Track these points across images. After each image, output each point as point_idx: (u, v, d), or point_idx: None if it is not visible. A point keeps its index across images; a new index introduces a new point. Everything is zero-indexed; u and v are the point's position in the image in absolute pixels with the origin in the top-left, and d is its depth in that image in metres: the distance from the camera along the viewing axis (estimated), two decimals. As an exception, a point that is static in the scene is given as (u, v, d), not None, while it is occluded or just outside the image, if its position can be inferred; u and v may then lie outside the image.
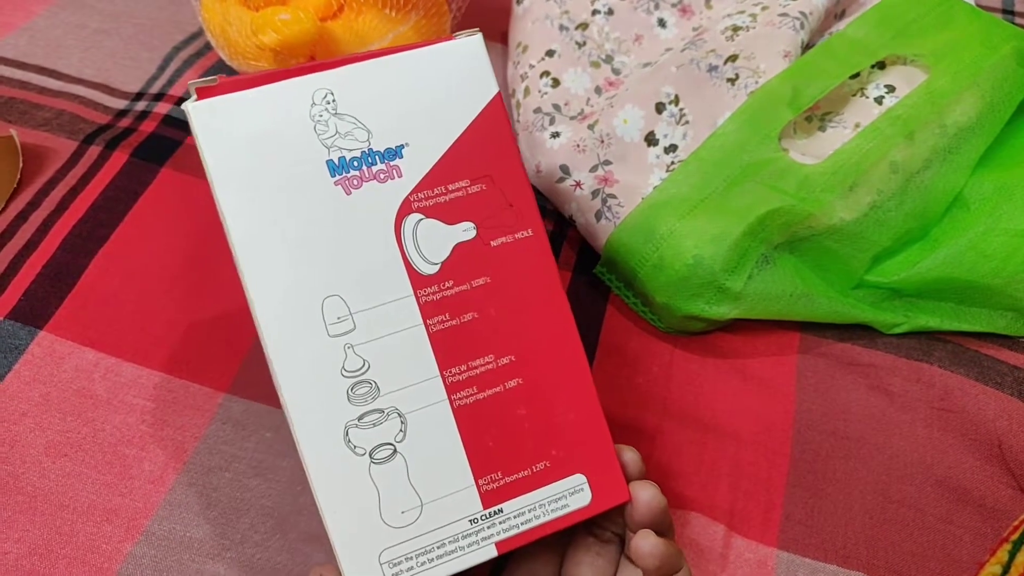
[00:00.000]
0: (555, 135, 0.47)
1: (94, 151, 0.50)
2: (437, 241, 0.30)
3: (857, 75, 0.44)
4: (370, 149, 0.29)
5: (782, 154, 0.41)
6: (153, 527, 0.36)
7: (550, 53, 0.50)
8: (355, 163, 0.29)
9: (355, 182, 0.29)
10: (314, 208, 0.29)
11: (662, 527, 0.29)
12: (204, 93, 0.28)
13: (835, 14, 0.49)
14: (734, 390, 0.42)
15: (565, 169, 0.46)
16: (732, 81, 0.44)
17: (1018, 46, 0.42)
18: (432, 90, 0.30)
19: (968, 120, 0.41)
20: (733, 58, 0.44)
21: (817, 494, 0.38)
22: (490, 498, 0.29)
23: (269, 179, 0.28)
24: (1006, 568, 0.28)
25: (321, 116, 0.29)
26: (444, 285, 0.30)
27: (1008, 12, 0.58)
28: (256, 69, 0.50)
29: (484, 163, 0.30)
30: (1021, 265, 0.39)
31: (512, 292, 0.30)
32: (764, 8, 0.46)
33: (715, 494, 0.38)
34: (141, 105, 0.53)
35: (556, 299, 0.31)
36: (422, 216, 0.30)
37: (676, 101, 0.45)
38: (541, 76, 0.49)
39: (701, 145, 0.42)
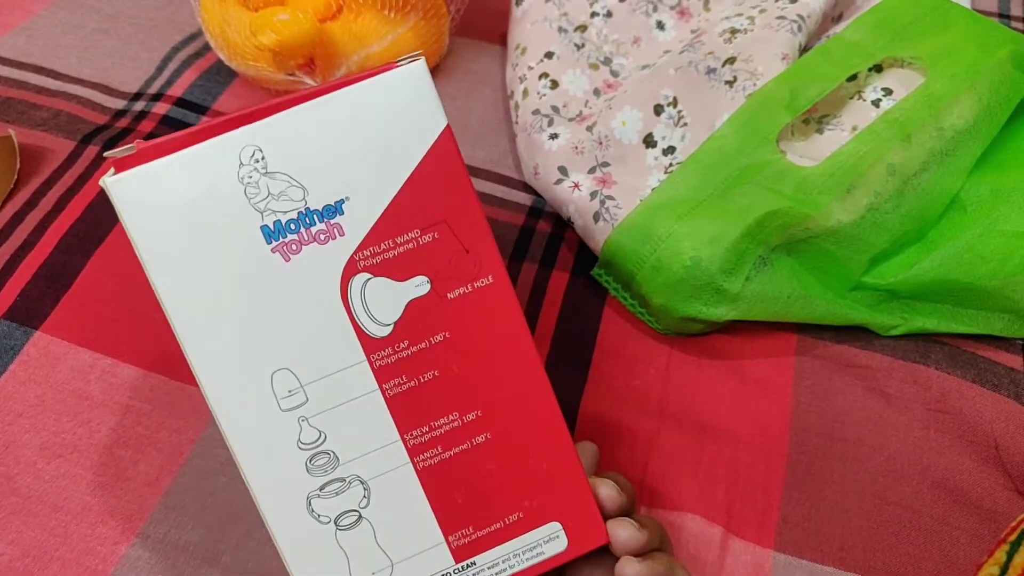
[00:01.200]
0: (553, 136, 0.47)
1: (92, 151, 0.50)
2: (388, 301, 0.28)
3: (854, 78, 0.44)
4: (307, 209, 0.27)
5: (780, 156, 0.41)
6: (148, 530, 0.36)
7: (549, 55, 0.50)
8: (292, 226, 0.27)
9: (294, 247, 0.27)
10: (252, 279, 0.27)
11: (651, 547, 0.29)
12: (122, 164, 0.26)
13: (832, 17, 0.49)
14: (731, 392, 0.41)
15: (563, 170, 0.46)
16: (730, 83, 0.44)
17: (1015, 50, 0.42)
18: (372, 131, 0.27)
19: (965, 123, 0.41)
20: (731, 60, 0.44)
21: (814, 496, 0.38)
22: (461, 552, 0.29)
23: (202, 251, 0.26)
24: (1004, 569, 0.28)
25: (251, 177, 0.26)
26: (399, 347, 0.28)
27: (1005, 16, 0.58)
28: (255, 69, 0.50)
29: (436, 207, 0.27)
30: (1018, 267, 0.39)
31: (474, 345, 0.28)
32: (762, 11, 0.46)
33: (712, 496, 0.38)
34: (139, 105, 0.53)
35: (523, 347, 0.29)
36: (369, 276, 0.27)
37: (674, 103, 0.45)
38: (540, 78, 0.49)
39: (699, 147, 0.42)
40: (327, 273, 0.27)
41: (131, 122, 0.52)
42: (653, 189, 0.43)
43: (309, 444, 0.28)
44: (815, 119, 0.45)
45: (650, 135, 0.45)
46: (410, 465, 0.28)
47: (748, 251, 0.40)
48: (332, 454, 0.28)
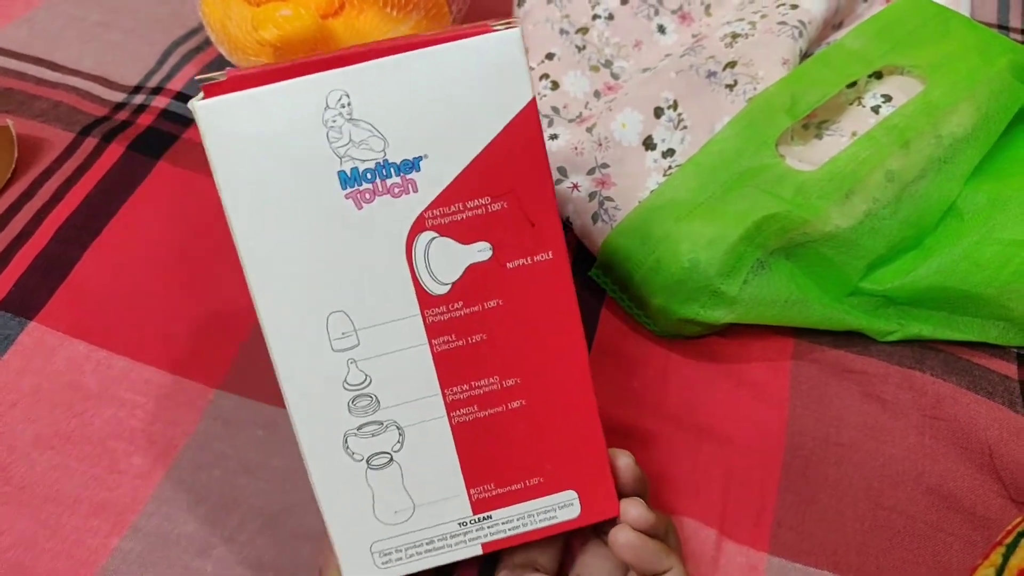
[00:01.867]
0: (553, 137, 0.47)
1: (90, 143, 0.50)
2: (450, 261, 0.28)
3: (854, 84, 0.44)
4: (385, 161, 0.27)
5: (779, 160, 0.41)
6: (140, 522, 0.36)
7: (550, 56, 0.50)
8: (368, 175, 0.27)
9: (367, 196, 0.27)
10: (322, 221, 0.27)
11: (654, 533, 0.30)
12: (212, 91, 0.26)
13: (833, 24, 0.49)
14: (728, 395, 0.42)
15: (563, 171, 0.46)
16: (731, 87, 0.44)
17: (1014, 59, 0.43)
18: (459, 94, 0.27)
19: (963, 131, 0.41)
20: (732, 64, 0.44)
21: (809, 500, 0.38)
22: (480, 506, 0.30)
23: (277, 186, 0.27)
24: (999, 571, 0.28)
25: (335, 121, 0.27)
26: (453, 306, 0.28)
27: (1004, 27, 0.58)
28: (256, 64, 0.50)
29: (509, 178, 0.28)
30: (1013, 275, 0.40)
31: (525, 316, 0.29)
32: (763, 16, 0.47)
33: (707, 498, 0.38)
34: (139, 98, 0.53)
35: (570, 324, 0.29)
36: (436, 235, 0.28)
37: (675, 106, 0.45)
38: (540, 79, 0.49)
39: (699, 150, 0.42)
40: (395, 226, 0.28)
41: (130, 115, 0.52)
42: (652, 191, 0.43)
43: (354, 385, 0.28)
44: (815, 124, 0.45)
45: (650, 137, 0.45)
46: (446, 419, 0.29)
47: (746, 254, 0.40)
48: (374, 397, 0.29)
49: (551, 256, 0.29)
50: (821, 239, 0.41)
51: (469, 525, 0.30)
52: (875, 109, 0.43)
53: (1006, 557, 0.28)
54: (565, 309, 0.29)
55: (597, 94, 0.49)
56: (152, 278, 0.44)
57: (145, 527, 0.36)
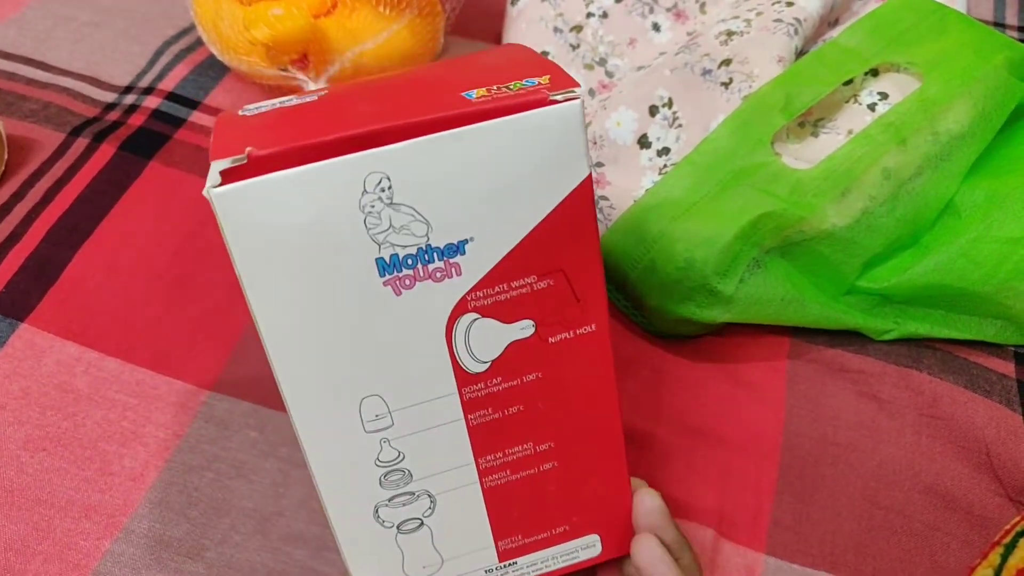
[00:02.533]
0: (548, 136, 0.46)
1: (81, 143, 0.49)
2: (491, 341, 0.26)
3: (850, 82, 0.44)
4: (428, 246, 0.24)
5: (775, 159, 0.41)
6: (132, 525, 0.36)
7: (544, 55, 0.50)
8: (409, 261, 0.24)
9: (407, 282, 0.25)
10: (356, 309, 0.25)
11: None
12: (231, 174, 0.23)
13: (829, 22, 0.49)
14: (724, 395, 0.41)
15: (557, 170, 0.45)
16: (726, 85, 0.44)
17: (1010, 56, 0.42)
18: (510, 171, 0.24)
19: (960, 128, 0.41)
20: (727, 62, 0.44)
21: (806, 500, 0.38)
22: (506, 555, 0.30)
23: (307, 277, 0.24)
24: (998, 571, 0.28)
25: (373, 206, 0.23)
26: (491, 382, 0.27)
27: (1000, 24, 0.58)
28: (248, 64, 0.49)
29: (558, 256, 0.26)
30: (1011, 273, 0.39)
31: (563, 386, 0.28)
32: (758, 14, 0.46)
33: (704, 499, 0.38)
34: (130, 99, 0.52)
35: (607, 391, 0.28)
36: (477, 316, 0.26)
37: (670, 104, 0.45)
38: (534, 77, 0.49)
39: (694, 149, 0.42)
40: (436, 311, 0.26)
41: (122, 115, 0.51)
42: (647, 190, 0.43)
43: (387, 462, 0.27)
44: (810, 122, 0.45)
45: (644, 136, 0.45)
46: (478, 484, 0.28)
47: (742, 253, 0.40)
48: (407, 471, 0.27)
49: (594, 328, 0.27)
50: (817, 237, 0.40)
51: (495, 571, 0.30)
52: (871, 107, 0.43)
53: (1004, 557, 0.28)
54: (603, 377, 0.28)
55: (592, 92, 0.49)
56: (144, 279, 0.44)
57: (137, 529, 0.36)
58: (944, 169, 0.41)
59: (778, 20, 0.45)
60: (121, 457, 0.38)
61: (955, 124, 0.41)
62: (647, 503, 0.29)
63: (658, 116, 0.45)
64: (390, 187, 0.23)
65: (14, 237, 0.45)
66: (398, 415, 0.27)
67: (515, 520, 0.29)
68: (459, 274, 0.25)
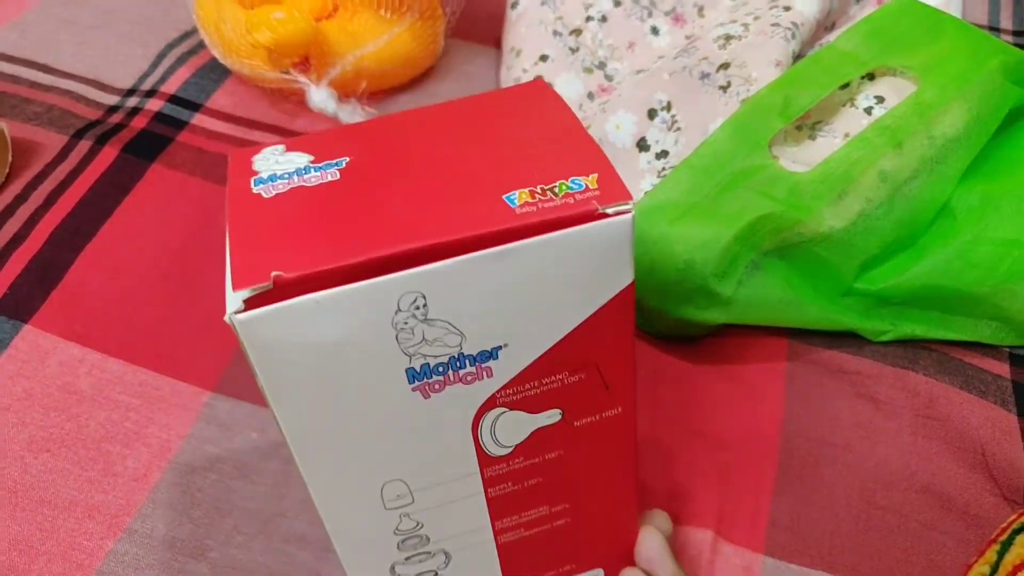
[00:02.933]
0: (547, 139, 0.47)
1: (84, 146, 0.50)
2: (517, 429, 0.26)
3: (847, 85, 0.45)
4: (460, 354, 0.23)
5: (773, 161, 0.41)
6: (135, 525, 0.36)
7: (543, 58, 0.50)
8: (440, 368, 0.23)
9: (436, 387, 0.24)
10: (383, 412, 0.24)
11: None
12: (256, 299, 0.21)
13: (825, 26, 0.49)
14: (723, 396, 0.42)
15: (557, 173, 0.46)
16: (724, 88, 0.44)
17: (1005, 60, 0.43)
18: (553, 283, 0.23)
19: (955, 131, 0.41)
20: (725, 66, 0.44)
21: (804, 500, 0.38)
22: None
23: (334, 386, 0.23)
24: (994, 568, 0.28)
25: (406, 323, 0.22)
26: (513, 462, 0.27)
27: (994, 28, 0.58)
28: (250, 67, 0.50)
29: (592, 353, 0.25)
30: (1006, 274, 0.40)
31: (584, 461, 0.28)
32: (756, 18, 0.47)
33: (703, 500, 0.38)
34: (133, 101, 0.53)
35: (625, 460, 0.28)
36: (505, 410, 0.25)
37: (668, 107, 0.45)
38: (534, 80, 0.49)
39: (693, 151, 0.43)
40: (463, 408, 0.25)
41: (124, 118, 0.52)
42: (646, 192, 0.43)
43: (405, 531, 0.27)
44: (808, 125, 0.45)
45: (643, 139, 0.46)
46: (493, 542, 0.28)
47: (740, 255, 0.40)
48: (424, 536, 0.27)
49: (620, 411, 0.27)
50: (815, 239, 0.41)
51: None
52: (868, 110, 0.44)
53: (1001, 554, 0.28)
54: (624, 450, 0.28)
55: (591, 96, 0.50)
56: (146, 281, 0.44)
57: (140, 530, 0.36)
58: (939, 172, 0.41)
59: (775, 24, 0.45)
60: (124, 458, 0.38)
61: (950, 128, 0.41)
62: (647, 544, 0.30)
63: (657, 119, 0.45)
64: (425, 305, 0.22)
65: (18, 239, 0.45)
66: (419, 494, 0.26)
67: (526, 566, 0.30)
68: (490, 376, 0.24)
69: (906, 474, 0.39)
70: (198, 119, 0.52)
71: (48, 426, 0.39)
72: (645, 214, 0.42)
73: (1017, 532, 0.30)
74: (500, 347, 0.24)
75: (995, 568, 0.28)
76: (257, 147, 0.26)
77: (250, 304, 0.21)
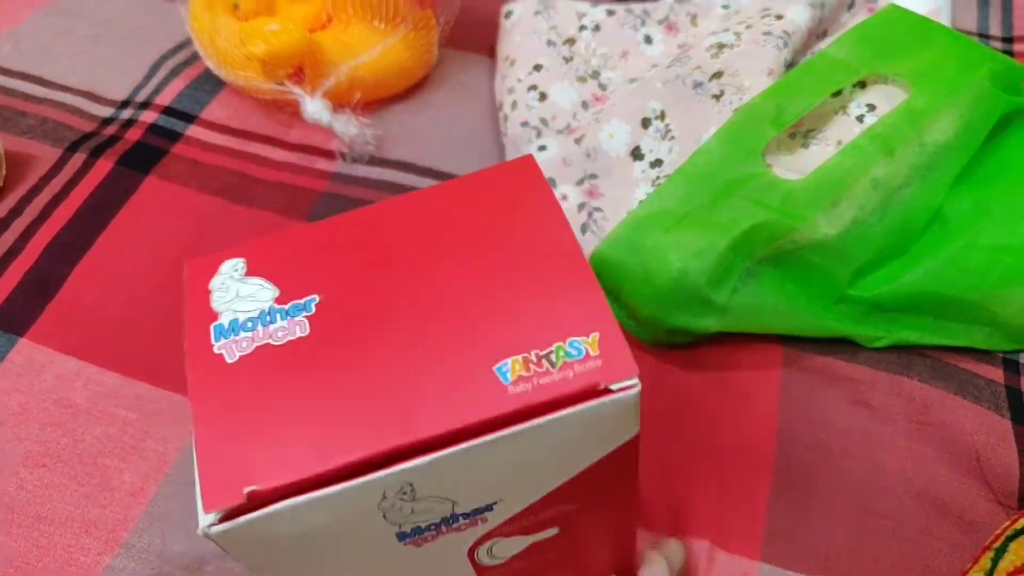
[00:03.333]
0: (542, 148, 0.47)
1: (79, 158, 0.50)
2: (513, 546, 0.25)
3: (839, 93, 0.45)
4: (453, 514, 0.22)
5: (766, 169, 0.41)
6: (132, 539, 0.36)
7: (537, 67, 0.50)
8: (432, 527, 0.22)
9: (428, 539, 0.23)
10: (375, 563, 0.23)
11: None
12: (230, 512, 0.19)
13: (817, 34, 0.50)
14: (717, 403, 0.42)
15: (552, 182, 0.46)
16: (717, 97, 0.44)
17: (994, 68, 0.43)
18: (551, 453, 0.21)
19: (946, 138, 0.42)
20: (718, 75, 0.45)
21: (800, 507, 0.38)
22: None
23: (321, 555, 0.22)
24: (989, 574, 0.28)
25: (394, 506, 0.21)
26: (509, 564, 0.26)
27: (984, 35, 0.59)
28: (244, 79, 0.50)
29: (593, 491, 0.23)
30: (998, 280, 0.40)
31: (580, 545, 0.27)
32: (748, 27, 0.47)
33: (699, 509, 0.38)
34: (127, 113, 0.53)
35: (624, 531, 0.28)
36: (502, 537, 0.24)
37: (662, 116, 0.45)
38: (528, 90, 0.50)
39: (686, 160, 0.43)
40: (458, 547, 0.24)
41: (119, 130, 0.52)
42: (640, 201, 0.43)
43: None
44: (801, 133, 0.45)
45: (637, 148, 0.46)
46: None
47: (735, 263, 0.40)
48: None
49: (620, 514, 0.26)
50: (809, 246, 0.41)
51: None
52: (860, 118, 0.44)
53: (995, 561, 0.29)
54: (624, 526, 0.27)
55: (585, 105, 0.50)
56: (142, 293, 0.44)
57: (137, 544, 0.36)
58: (931, 179, 0.42)
59: (767, 33, 0.46)
60: (121, 472, 0.38)
61: (941, 135, 0.42)
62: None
63: (651, 128, 0.46)
64: (412, 490, 0.20)
65: (12, 252, 0.45)
66: None
67: None
68: (484, 522, 0.23)
69: (902, 480, 0.39)
70: (193, 131, 0.52)
71: (44, 440, 0.38)
72: (639, 223, 0.42)
73: (1011, 538, 0.30)
74: (495, 503, 0.22)
75: (990, 574, 0.28)
76: (215, 260, 0.23)
77: (224, 516, 0.19)
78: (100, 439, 0.39)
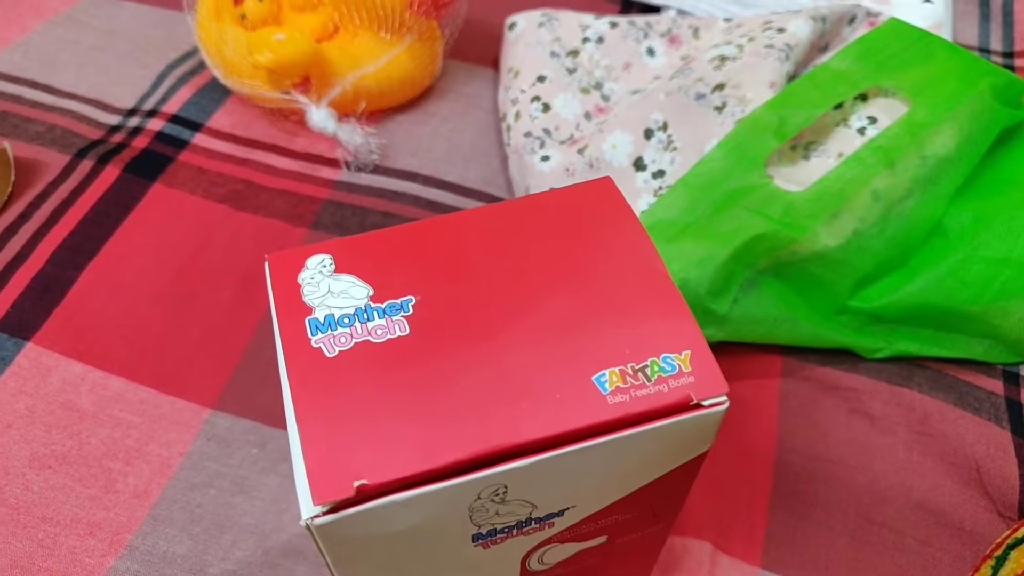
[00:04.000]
0: (545, 158, 0.47)
1: (86, 165, 0.50)
2: (562, 553, 0.25)
3: (840, 106, 0.45)
4: (529, 518, 0.22)
5: (768, 181, 0.42)
6: (136, 542, 0.36)
7: (541, 79, 0.51)
8: (505, 531, 0.22)
9: (499, 541, 0.23)
10: (441, 560, 0.23)
11: None
12: (340, 502, 0.19)
13: (819, 47, 0.50)
14: (718, 412, 0.42)
15: (554, 192, 0.46)
16: (719, 109, 0.45)
17: (994, 82, 0.44)
18: (635, 461, 0.22)
19: (947, 151, 0.42)
20: (720, 87, 0.45)
21: (800, 515, 0.38)
22: None
23: (399, 554, 0.22)
24: (988, 583, 0.28)
25: (484, 507, 0.21)
26: (551, 572, 0.26)
27: (984, 50, 0.59)
28: (251, 87, 0.50)
29: (652, 501, 0.24)
30: (998, 293, 0.40)
31: (617, 559, 0.27)
32: (751, 40, 0.48)
33: (700, 513, 0.38)
34: (134, 121, 0.53)
35: (656, 550, 0.28)
36: (557, 544, 0.24)
37: (665, 127, 0.46)
38: (532, 101, 0.50)
39: (688, 171, 0.43)
40: (518, 551, 0.24)
41: (126, 137, 0.52)
42: (642, 211, 0.44)
43: None
44: (801, 145, 0.46)
45: (640, 159, 0.46)
46: None
47: (735, 273, 0.41)
48: None
49: (662, 526, 0.27)
50: (810, 258, 0.41)
51: None
52: (860, 131, 0.44)
53: (995, 569, 0.29)
54: (658, 546, 0.28)
55: (588, 116, 0.50)
56: (147, 299, 0.45)
57: (141, 547, 0.36)
58: (932, 191, 0.42)
59: (769, 46, 0.46)
60: (125, 475, 0.38)
61: (942, 148, 0.42)
62: None
63: (653, 139, 0.46)
64: (505, 491, 0.21)
65: (20, 257, 0.45)
66: None
67: None
68: (551, 527, 0.23)
69: (901, 490, 0.39)
70: (199, 139, 0.53)
71: (50, 443, 0.39)
72: (642, 233, 0.43)
73: (1011, 547, 0.30)
74: (568, 508, 0.23)
75: (989, 583, 0.28)
76: (300, 254, 0.23)
77: (330, 508, 0.19)
78: (105, 442, 0.39)
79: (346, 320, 0.21)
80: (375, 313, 0.21)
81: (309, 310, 0.21)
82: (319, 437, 0.19)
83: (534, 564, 0.25)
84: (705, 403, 0.20)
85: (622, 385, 0.20)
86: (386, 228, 0.23)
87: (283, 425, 0.40)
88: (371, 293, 0.22)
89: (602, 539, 0.25)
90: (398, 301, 0.22)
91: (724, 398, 0.21)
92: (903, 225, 0.42)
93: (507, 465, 0.20)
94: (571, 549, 0.25)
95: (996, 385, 0.43)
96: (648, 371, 0.21)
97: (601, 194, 0.25)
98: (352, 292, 0.22)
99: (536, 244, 0.23)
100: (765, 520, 0.38)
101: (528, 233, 0.23)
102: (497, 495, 0.21)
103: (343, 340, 0.21)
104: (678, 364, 0.21)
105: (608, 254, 0.23)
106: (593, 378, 0.20)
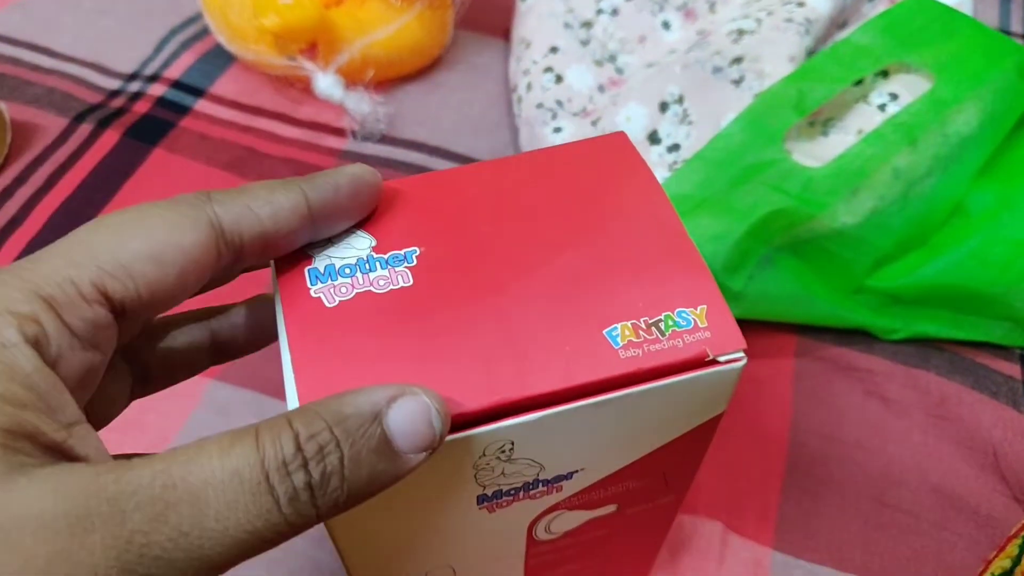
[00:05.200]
0: (557, 130, 0.46)
1: (85, 129, 0.49)
2: (571, 521, 0.24)
3: (860, 82, 0.44)
4: (536, 479, 0.21)
5: (786, 156, 0.41)
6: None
7: (554, 50, 0.50)
8: (511, 492, 0.22)
9: (504, 504, 0.22)
10: (445, 523, 0.22)
11: None
12: None
13: (838, 23, 0.49)
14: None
15: (566, 165, 0.45)
16: (737, 83, 0.44)
17: (1019, 60, 0.42)
18: (646, 419, 0.21)
19: (970, 129, 0.41)
20: (738, 60, 0.44)
21: (813, 496, 0.38)
22: None
23: (400, 510, 0.21)
24: (1016, 562, 0.28)
25: (488, 464, 0.20)
26: (560, 542, 0.25)
27: (1005, 31, 0.58)
28: (255, 53, 0.49)
29: (663, 465, 0.23)
30: (1020, 275, 0.40)
31: (625, 533, 0.27)
32: (769, 13, 0.46)
33: (712, 492, 0.38)
34: (135, 86, 0.52)
35: (666, 526, 0.28)
36: (565, 511, 0.24)
37: (680, 100, 0.45)
38: (544, 72, 0.49)
39: (705, 145, 0.42)
40: (525, 516, 0.23)
41: (126, 102, 0.51)
42: (656, 186, 0.43)
43: None
44: (820, 122, 0.45)
45: (655, 132, 0.45)
46: None
47: (752, 249, 0.40)
48: None
49: (672, 499, 0.26)
50: (828, 235, 0.40)
51: None
52: (881, 107, 0.43)
53: (1023, 548, 0.28)
54: (666, 522, 0.27)
55: (601, 88, 0.49)
56: (147, 266, 0.43)
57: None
58: (954, 170, 0.41)
59: (789, 20, 0.45)
60: (122, 446, 0.37)
61: (965, 126, 0.41)
62: None
63: (668, 112, 0.45)
64: (511, 448, 0.20)
65: (15, 222, 0.44)
66: (462, 572, 0.25)
67: None
68: (559, 491, 0.23)
69: (916, 473, 0.38)
70: (201, 104, 0.51)
71: (45, 410, 0.38)
72: (656, 207, 0.42)
73: (1035, 530, 0.30)
74: (576, 471, 0.22)
75: (1017, 562, 0.28)
76: None
77: None
78: (102, 411, 0.38)
79: (347, 270, 0.20)
80: (377, 263, 0.21)
81: (308, 260, 0.21)
82: (316, 386, 0.19)
83: (541, 533, 0.25)
84: (721, 359, 0.19)
85: (635, 339, 0.19)
86: (391, 180, 0.22)
87: (283, 396, 0.39)
88: (374, 243, 0.21)
89: (612, 508, 0.25)
90: (401, 252, 0.21)
91: (742, 354, 0.20)
92: (923, 204, 0.41)
93: (514, 419, 0.19)
94: (580, 518, 0.24)
95: (1014, 369, 0.42)
96: (662, 325, 0.20)
97: (615, 149, 0.24)
98: (354, 242, 0.21)
99: (547, 197, 0.22)
100: (778, 501, 0.37)
101: (539, 186, 0.23)
102: (503, 452, 0.20)
103: (343, 290, 0.20)
104: (694, 319, 0.20)
105: (622, 208, 0.22)
106: (604, 332, 0.20)
